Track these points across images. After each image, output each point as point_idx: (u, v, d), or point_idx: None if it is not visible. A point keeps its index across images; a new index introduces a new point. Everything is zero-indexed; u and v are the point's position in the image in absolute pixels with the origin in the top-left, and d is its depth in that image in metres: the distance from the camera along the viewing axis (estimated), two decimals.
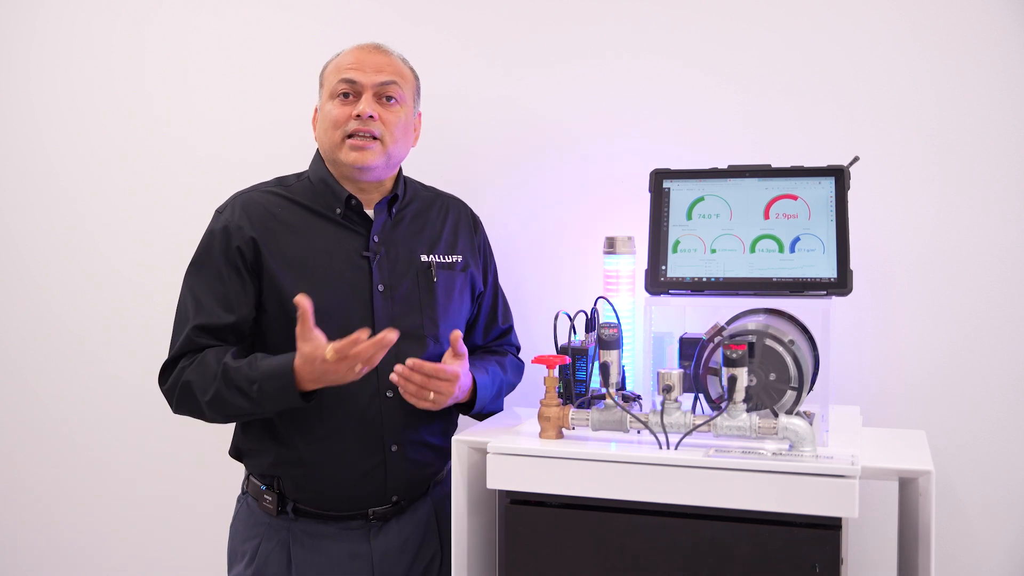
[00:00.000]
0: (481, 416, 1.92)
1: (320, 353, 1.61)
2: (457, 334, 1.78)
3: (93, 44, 2.60)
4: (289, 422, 1.79)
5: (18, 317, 2.71)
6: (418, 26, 2.30)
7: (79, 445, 2.65)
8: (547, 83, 2.22)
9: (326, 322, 1.74)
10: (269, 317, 1.79)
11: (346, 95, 1.81)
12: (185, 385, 1.73)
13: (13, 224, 2.70)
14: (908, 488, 1.66)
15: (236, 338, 1.79)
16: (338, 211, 1.84)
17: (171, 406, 1.80)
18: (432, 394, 1.72)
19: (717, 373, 1.59)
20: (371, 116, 1.78)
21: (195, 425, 1.91)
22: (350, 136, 1.79)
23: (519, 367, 2.04)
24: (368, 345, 1.60)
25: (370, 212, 1.86)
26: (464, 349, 1.79)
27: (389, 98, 1.82)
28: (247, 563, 1.85)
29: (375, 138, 1.80)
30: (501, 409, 1.97)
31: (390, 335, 1.61)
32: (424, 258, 1.88)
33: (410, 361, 1.69)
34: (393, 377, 1.70)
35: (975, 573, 1.97)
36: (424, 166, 2.09)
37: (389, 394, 1.80)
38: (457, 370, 1.73)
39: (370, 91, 1.80)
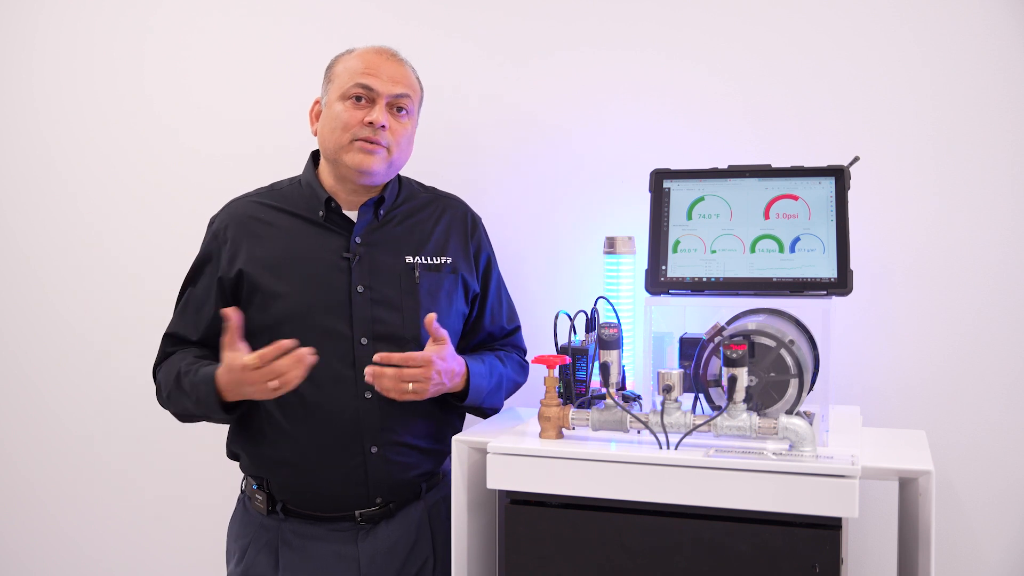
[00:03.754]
0: (484, 412, 1.91)
1: (240, 361, 1.63)
2: (432, 317, 1.71)
3: (95, 44, 2.60)
4: (272, 423, 1.80)
5: (20, 316, 2.70)
6: (418, 26, 2.30)
7: (80, 444, 2.64)
8: (547, 83, 2.22)
9: (304, 323, 1.76)
10: (253, 322, 1.78)
11: (358, 99, 1.81)
12: (157, 385, 1.87)
13: (15, 223, 2.70)
14: (908, 488, 1.66)
15: (202, 349, 1.86)
16: (320, 213, 1.84)
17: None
18: (411, 384, 1.68)
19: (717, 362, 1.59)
20: (383, 126, 1.79)
21: (197, 424, 1.91)
22: (357, 139, 1.80)
23: (522, 366, 2.01)
24: (287, 360, 1.61)
25: (353, 214, 1.86)
26: (442, 333, 1.72)
27: (400, 109, 1.84)
28: (236, 562, 1.87)
29: (382, 146, 1.81)
30: (501, 405, 1.95)
31: (309, 357, 1.62)
32: (408, 260, 1.86)
33: (377, 356, 1.69)
34: (367, 378, 1.68)
35: (975, 573, 1.97)
36: (425, 166, 2.10)
37: (368, 395, 1.79)
38: (429, 355, 1.69)
39: (384, 100, 1.81)
